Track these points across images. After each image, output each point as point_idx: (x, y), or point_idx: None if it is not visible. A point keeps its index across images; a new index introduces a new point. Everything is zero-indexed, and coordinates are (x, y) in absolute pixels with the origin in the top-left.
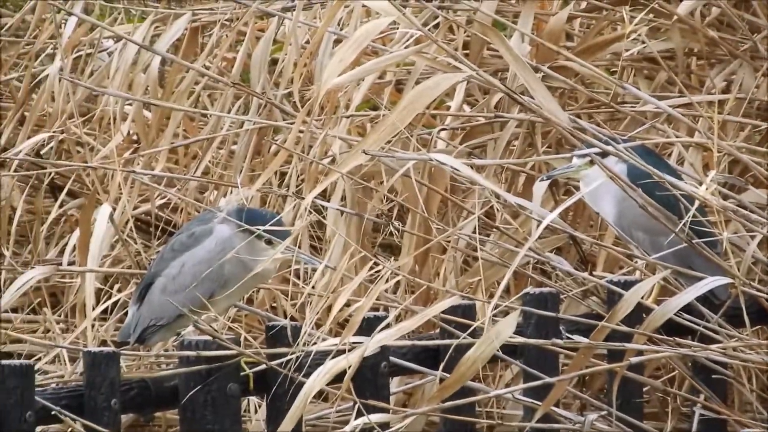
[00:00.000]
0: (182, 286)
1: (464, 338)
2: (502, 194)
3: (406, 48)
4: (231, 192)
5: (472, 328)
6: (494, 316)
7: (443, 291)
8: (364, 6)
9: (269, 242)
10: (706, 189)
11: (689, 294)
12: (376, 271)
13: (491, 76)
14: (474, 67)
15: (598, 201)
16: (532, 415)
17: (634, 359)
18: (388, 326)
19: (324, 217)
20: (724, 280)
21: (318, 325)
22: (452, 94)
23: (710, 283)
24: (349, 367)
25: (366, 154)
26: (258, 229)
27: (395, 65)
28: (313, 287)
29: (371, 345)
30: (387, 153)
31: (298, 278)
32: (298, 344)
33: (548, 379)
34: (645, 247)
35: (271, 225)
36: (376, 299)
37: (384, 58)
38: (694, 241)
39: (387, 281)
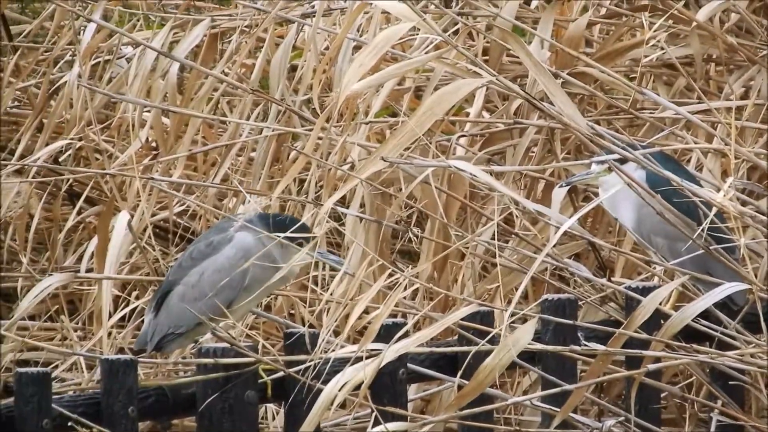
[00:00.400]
0: (202, 294)
1: (482, 345)
2: (521, 200)
3: (426, 54)
4: (250, 199)
5: (490, 336)
6: (512, 322)
7: (461, 299)
8: (383, 12)
9: (300, 245)
10: (724, 195)
11: (706, 300)
12: (394, 279)
13: (511, 82)
14: (494, 73)
15: (617, 207)
16: (550, 422)
17: (652, 366)
18: (406, 334)
19: (343, 224)
20: (741, 286)
21: (336, 333)
22: (471, 101)
23: (727, 289)
24: (366, 378)
25: (384, 160)
26: (278, 236)
27: (414, 71)
28: (331, 294)
29: (389, 354)
30: (405, 160)
31: (316, 285)
32: (316, 352)
33: (566, 387)
34: (663, 253)
35: (295, 230)
36: (395, 306)
37: (403, 63)
38: (711, 248)
39: (405, 288)
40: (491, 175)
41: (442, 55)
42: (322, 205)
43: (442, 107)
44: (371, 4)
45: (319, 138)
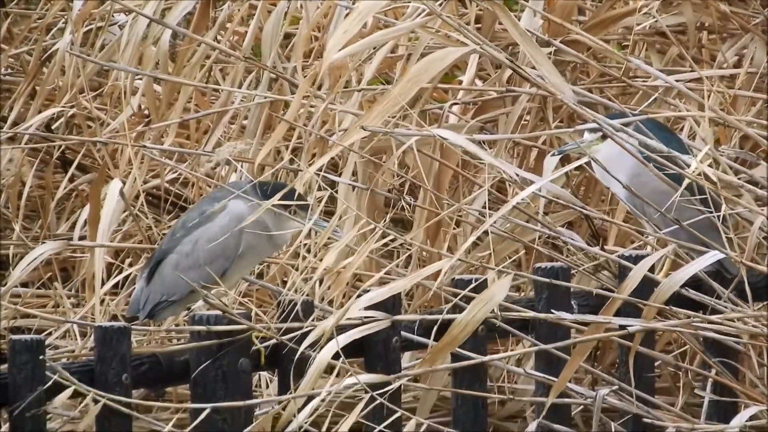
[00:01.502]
0: (196, 263)
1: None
2: (505, 169)
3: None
4: (241, 169)
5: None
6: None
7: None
8: None
9: (294, 212)
10: (700, 162)
11: (693, 267)
12: (387, 244)
13: (503, 50)
14: (479, 41)
15: (609, 177)
16: (544, 390)
17: (636, 329)
18: (399, 300)
19: (336, 192)
20: (721, 255)
21: (330, 302)
22: (464, 68)
23: (712, 256)
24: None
25: (364, 129)
26: (271, 204)
27: (407, 39)
28: (318, 260)
29: (354, 309)
30: (386, 129)
31: (309, 252)
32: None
33: (551, 346)
34: (657, 222)
35: (288, 197)
36: (387, 274)
37: (388, 30)
38: (690, 221)
39: (398, 255)
40: (482, 143)
41: (428, 23)
42: (299, 171)
43: (427, 75)
44: None
45: (306, 105)
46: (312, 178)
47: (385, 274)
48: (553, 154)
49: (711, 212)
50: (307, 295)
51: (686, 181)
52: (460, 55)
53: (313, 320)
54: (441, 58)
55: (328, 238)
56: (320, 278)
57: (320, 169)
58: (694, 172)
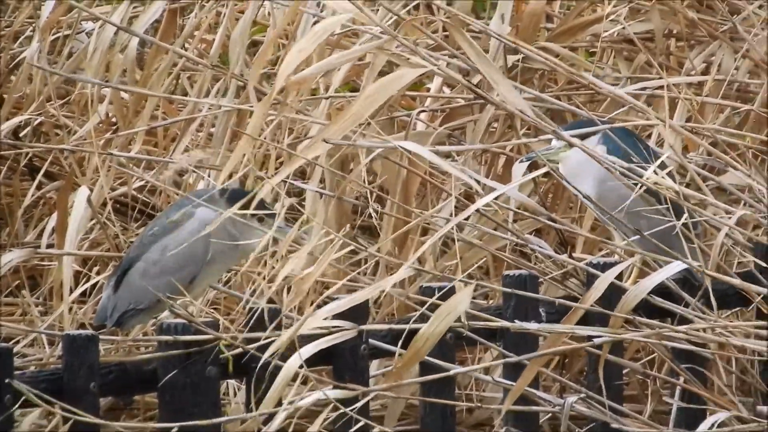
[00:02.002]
0: (165, 270)
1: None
2: (466, 179)
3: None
4: (207, 178)
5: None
6: (474, 298)
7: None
8: None
9: (261, 219)
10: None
11: (658, 276)
12: (356, 252)
13: (453, 70)
14: (434, 62)
15: (577, 183)
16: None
17: (602, 340)
18: (367, 308)
19: (299, 202)
20: (683, 265)
21: (300, 310)
22: (432, 76)
23: (677, 266)
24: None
25: (326, 142)
26: (238, 211)
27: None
28: (271, 267)
29: (315, 318)
30: (348, 142)
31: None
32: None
33: (516, 358)
34: (625, 229)
35: (254, 204)
36: (355, 282)
37: (345, 53)
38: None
39: (365, 262)
40: (447, 154)
41: (386, 44)
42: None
43: (384, 94)
44: None
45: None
46: (278, 186)
47: (352, 282)
48: (521, 161)
49: (676, 220)
50: (274, 302)
51: (641, 189)
52: (415, 77)
53: (280, 328)
54: (397, 79)
55: (296, 246)
56: (283, 287)
57: (287, 177)
58: (650, 180)
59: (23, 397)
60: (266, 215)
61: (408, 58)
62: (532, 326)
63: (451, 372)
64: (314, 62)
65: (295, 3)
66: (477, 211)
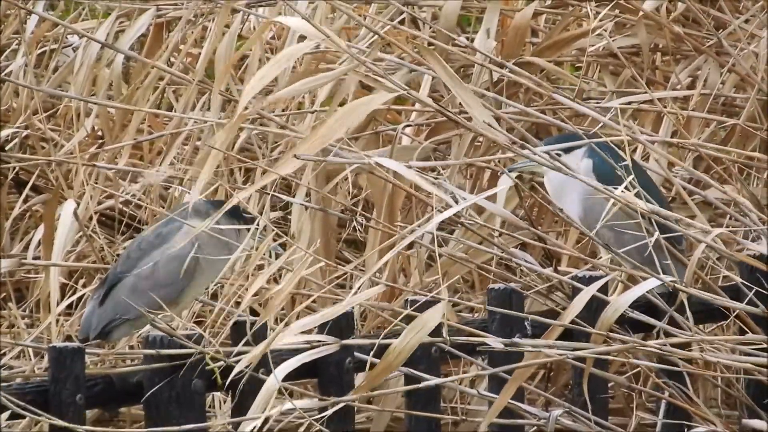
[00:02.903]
0: (156, 284)
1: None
2: (442, 195)
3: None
4: (188, 192)
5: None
6: (459, 312)
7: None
8: (327, 1)
9: (247, 229)
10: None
11: (637, 290)
12: (340, 270)
13: (423, 96)
14: (405, 88)
15: (562, 198)
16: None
17: (579, 354)
18: (352, 325)
19: (289, 213)
20: (664, 279)
21: (287, 324)
22: (418, 89)
23: (651, 282)
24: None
25: (297, 158)
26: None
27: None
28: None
29: (290, 331)
30: (321, 158)
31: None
32: (263, 341)
33: (497, 369)
34: (611, 244)
35: (236, 215)
36: (338, 297)
37: (314, 78)
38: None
39: (352, 277)
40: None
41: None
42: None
43: (355, 116)
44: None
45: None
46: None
47: (334, 296)
48: (502, 173)
49: (660, 235)
50: (256, 313)
51: (617, 207)
52: (385, 101)
53: (265, 342)
54: (369, 102)
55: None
56: (265, 300)
57: (272, 190)
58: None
59: (9, 411)
60: (248, 224)
61: (382, 78)
62: (513, 341)
63: (433, 382)
64: (280, 86)
65: (266, 20)
66: (462, 225)
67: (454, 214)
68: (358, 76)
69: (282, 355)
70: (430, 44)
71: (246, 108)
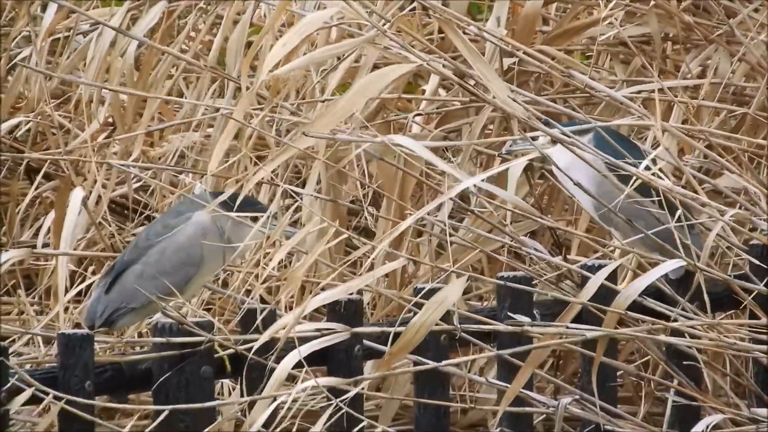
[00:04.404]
0: (162, 271)
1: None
2: (457, 175)
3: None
4: (198, 182)
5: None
6: (468, 300)
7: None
8: None
9: (255, 220)
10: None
11: (651, 276)
12: (350, 252)
13: (443, 66)
14: (423, 58)
15: (570, 182)
16: None
17: (593, 335)
18: (361, 312)
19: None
20: (678, 263)
21: (292, 309)
22: (428, 78)
23: (669, 264)
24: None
25: (306, 135)
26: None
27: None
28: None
29: (308, 306)
30: (332, 136)
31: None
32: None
33: (509, 351)
34: (623, 230)
35: (250, 207)
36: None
37: (334, 46)
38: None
39: (361, 264)
40: (445, 151)
41: (376, 39)
42: (277, 185)
43: (372, 89)
44: None
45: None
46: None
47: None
48: (500, 154)
49: (671, 219)
50: (267, 303)
51: (636, 183)
52: (404, 72)
53: (274, 330)
54: (386, 74)
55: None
56: (276, 287)
57: (282, 181)
58: (645, 173)
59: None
60: (259, 215)
61: (400, 54)
62: (524, 319)
63: (443, 363)
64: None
65: (281, 2)
66: (472, 212)
67: (464, 203)
68: (377, 50)
69: (292, 345)
70: (440, 31)
71: (270, 71)
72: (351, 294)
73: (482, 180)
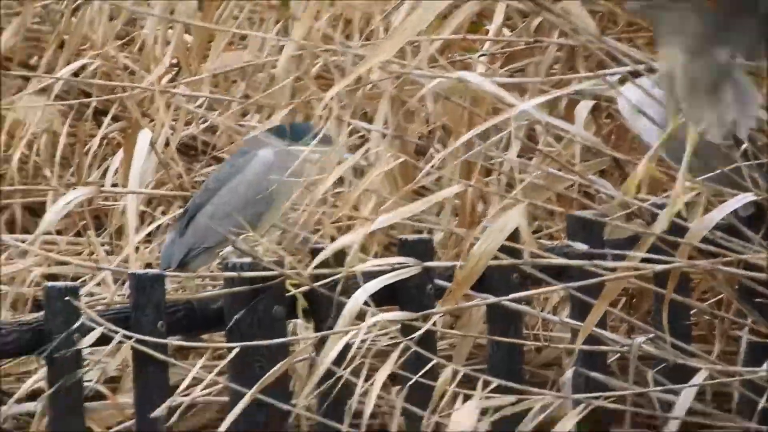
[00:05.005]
0: (233, 210)
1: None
2: (528, 108)
3: None
4: (271, 116)
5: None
6: (539, 239)
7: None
8: None
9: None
10: None
11: (721, 211)
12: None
13: None
14: None
15: (638, 123)
16: None
17: (665, 267)
18: (431, 251)
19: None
20: (748, 197)
21: (363, 248)
22: (491, 18)
23: (742, 198)
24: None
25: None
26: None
27: None
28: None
29: (377, 223)
30: (403, 71)
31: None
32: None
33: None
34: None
35: (316, 137)
36: (420, 222)
37: None
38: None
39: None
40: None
41: None
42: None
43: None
44: None
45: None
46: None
47: (417, 222)
48: (569, 95)
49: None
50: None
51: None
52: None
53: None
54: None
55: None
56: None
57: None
58: None
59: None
60: (324, 143)
61: None
62: (583, 247)
63: (509, 297)
64: None
65: None
66: (541, 152)
67: (531, 141)
68: None
69: (363, 279)
70: None
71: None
72: (421, 233)
73: (549, 116)
